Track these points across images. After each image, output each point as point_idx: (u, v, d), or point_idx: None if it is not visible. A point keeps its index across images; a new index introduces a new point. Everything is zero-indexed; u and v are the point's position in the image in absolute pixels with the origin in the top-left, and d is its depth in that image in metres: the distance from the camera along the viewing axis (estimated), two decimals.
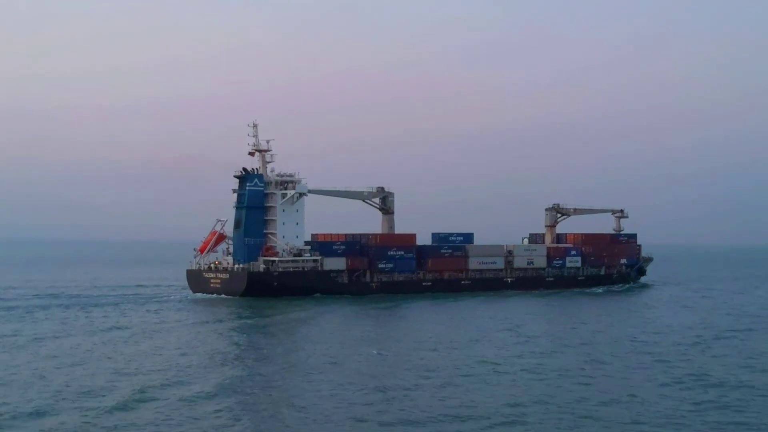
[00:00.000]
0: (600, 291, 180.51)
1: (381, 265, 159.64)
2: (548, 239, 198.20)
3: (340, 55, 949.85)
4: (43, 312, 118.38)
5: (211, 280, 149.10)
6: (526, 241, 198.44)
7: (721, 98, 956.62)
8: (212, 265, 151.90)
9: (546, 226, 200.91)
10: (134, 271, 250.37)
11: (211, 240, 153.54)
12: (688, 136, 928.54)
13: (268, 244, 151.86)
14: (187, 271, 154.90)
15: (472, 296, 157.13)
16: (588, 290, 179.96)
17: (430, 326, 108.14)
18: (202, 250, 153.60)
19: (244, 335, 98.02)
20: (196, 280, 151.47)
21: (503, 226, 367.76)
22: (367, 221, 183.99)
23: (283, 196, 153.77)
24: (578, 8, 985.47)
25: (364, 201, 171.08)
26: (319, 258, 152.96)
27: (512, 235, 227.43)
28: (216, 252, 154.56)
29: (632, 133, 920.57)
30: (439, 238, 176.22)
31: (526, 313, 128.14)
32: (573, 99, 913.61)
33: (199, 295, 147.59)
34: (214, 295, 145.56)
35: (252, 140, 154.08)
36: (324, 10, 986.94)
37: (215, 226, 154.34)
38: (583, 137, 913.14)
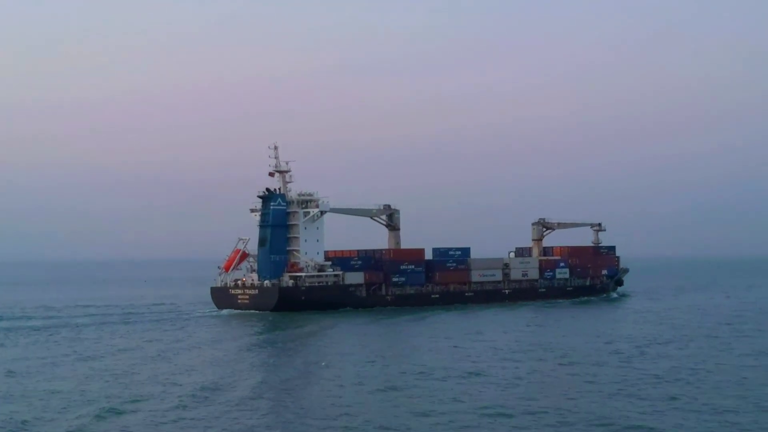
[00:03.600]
0: (589, 300, 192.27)
1: (395, 279, 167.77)
2: (536, 252, 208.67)
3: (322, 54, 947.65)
4: (89, 331, 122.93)
5: (239, 296, 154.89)
6: (512, 254, 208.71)
7: (711, 106, 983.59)
8: (238, 282, 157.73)
9: (533, 239, 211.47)
10: (140, 291, 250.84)
11: (235, 258, 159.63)
12: (668, 146, 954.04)
13: (293, 261, 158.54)
14: (212, 288, 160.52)
15: (480, 307, 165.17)
16: (579, 299, 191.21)
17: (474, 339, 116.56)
18: (227, 268, 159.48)
19: (319, 348, 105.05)
20: (223, 296, 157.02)
21: (487, 239, 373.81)
22: (370, 237, 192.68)
23: (306, 214, 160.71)
24: (571, 10, 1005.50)
25: (372, 218, 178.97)
26: (340, 273, 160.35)
27: (495, 249, 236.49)
28: (240, 269, 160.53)
29: (612, 143, 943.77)
30: (440, 253, 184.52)
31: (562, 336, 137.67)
32: (551, 107, 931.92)
33: (228, 311, 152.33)
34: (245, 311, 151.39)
35: (273, 161, 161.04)
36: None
37: (238, 244, 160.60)
38: (563, 146, 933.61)
